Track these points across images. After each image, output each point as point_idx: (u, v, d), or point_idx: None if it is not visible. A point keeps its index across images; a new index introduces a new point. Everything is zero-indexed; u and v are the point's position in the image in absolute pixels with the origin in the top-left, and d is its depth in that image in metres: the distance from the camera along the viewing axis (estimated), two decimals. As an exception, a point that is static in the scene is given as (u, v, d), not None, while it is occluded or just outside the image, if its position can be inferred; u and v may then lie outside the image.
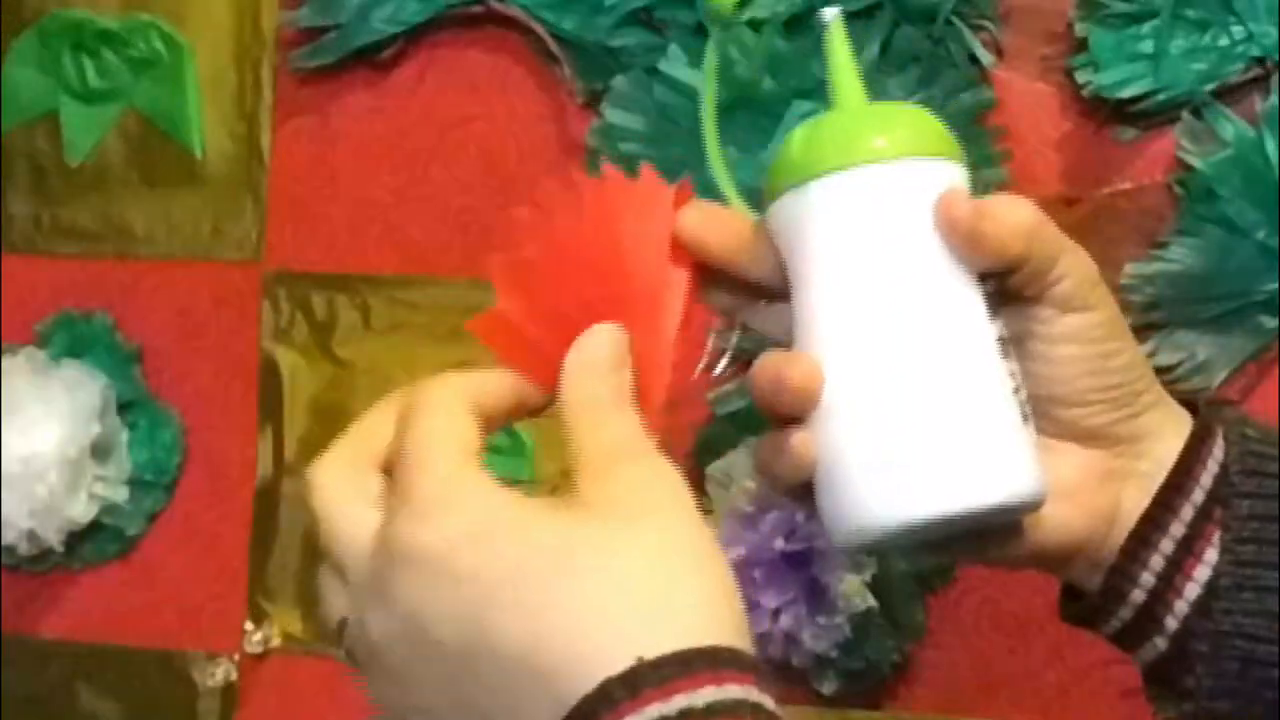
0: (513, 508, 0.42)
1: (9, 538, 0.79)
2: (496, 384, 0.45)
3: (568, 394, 0.44)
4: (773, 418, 0.46)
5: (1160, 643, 0.46)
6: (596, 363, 0.45)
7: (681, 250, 0.45)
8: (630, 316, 0.45)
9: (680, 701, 0.37)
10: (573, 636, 0.39)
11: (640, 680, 0.38)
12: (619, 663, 0.38)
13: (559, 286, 0.45)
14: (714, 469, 0.74)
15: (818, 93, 0.73)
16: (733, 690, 0.38)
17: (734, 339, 0.51)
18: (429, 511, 0.41)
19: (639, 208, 0.45)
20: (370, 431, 0.44)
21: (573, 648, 0.39)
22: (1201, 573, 0.46)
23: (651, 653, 0.38)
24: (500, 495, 0.42)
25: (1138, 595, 0.46)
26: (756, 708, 0.38)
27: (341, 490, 0.43)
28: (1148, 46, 0.71)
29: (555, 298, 0.45)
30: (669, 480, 0.43)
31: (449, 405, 0.44)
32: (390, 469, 0.43)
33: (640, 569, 0.40)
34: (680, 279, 0.46)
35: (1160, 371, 0.72)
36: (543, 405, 0.46)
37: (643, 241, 0.45)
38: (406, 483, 0.42)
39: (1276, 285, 0.70)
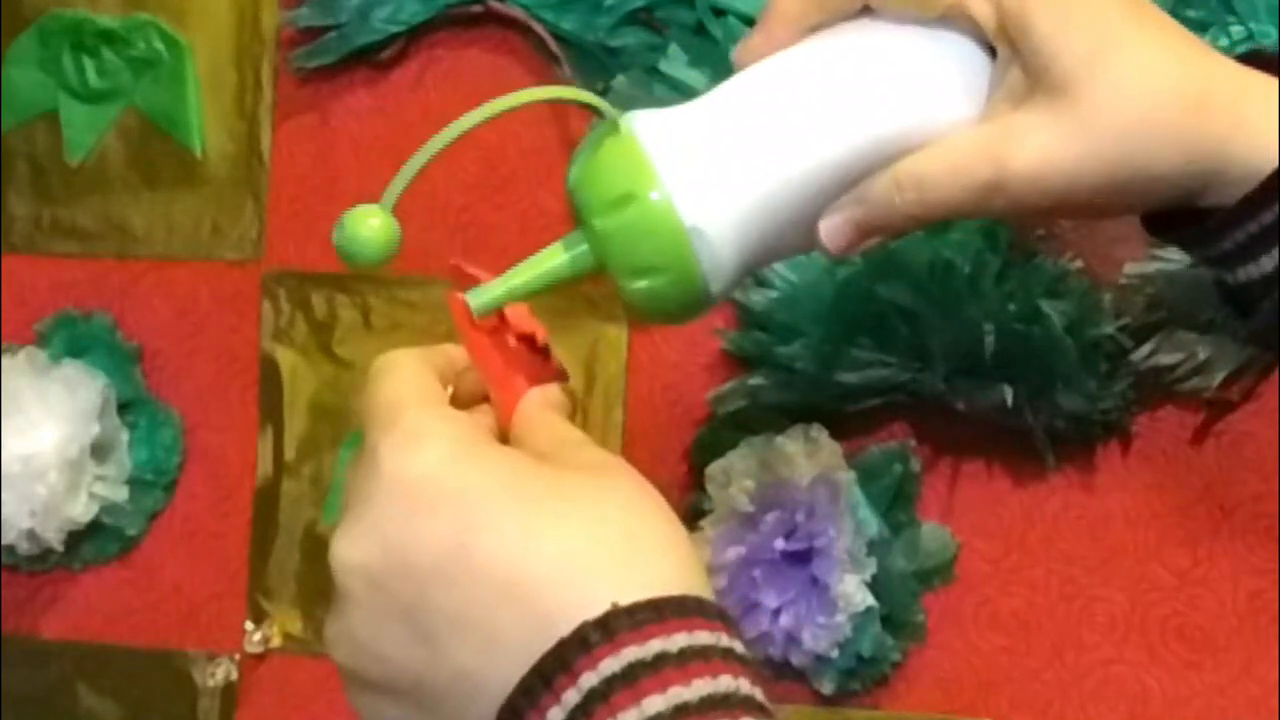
0: (492, 441, 0.44)
1: (9, 538, 0.79)
2: (434, 355, 0.48)
3: (526, 408, 0.47)
4: None
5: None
6: (553, 400, 0.48)
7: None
8: None
9: (655, 646, 0.38)
10: (557, 564, 0.40)
11: (616, 625, 0.39)
12: (595, 606, 0.39)
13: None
14: (714, 469, 0.74)
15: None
16: (702, 636, 0.39)
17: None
18: (409, 441, 0.42)
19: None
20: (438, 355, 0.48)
21: (557, 575, 0.40)
22: None
23: (626, 598, 0.39)
24: (480, 430, 0.44)
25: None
26: (727, 652, 0.40)
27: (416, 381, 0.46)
28: (1148, 46, 0.71)
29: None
30: (624, 461, 0.45)
31: (413, 363, 0.46)
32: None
33: (614, 514, 0.41)
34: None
35: (1160, 371, 0.72)
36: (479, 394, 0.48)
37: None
38: (388, 420, 0.43)
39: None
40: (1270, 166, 0.45)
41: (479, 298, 0.48)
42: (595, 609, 0.39)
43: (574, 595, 0.39)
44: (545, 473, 0.43)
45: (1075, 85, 0.45)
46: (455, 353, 0.49)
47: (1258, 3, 0.70)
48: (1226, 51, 0.70)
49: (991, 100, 0.48)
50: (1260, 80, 0.47)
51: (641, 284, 0.47)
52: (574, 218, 0.49)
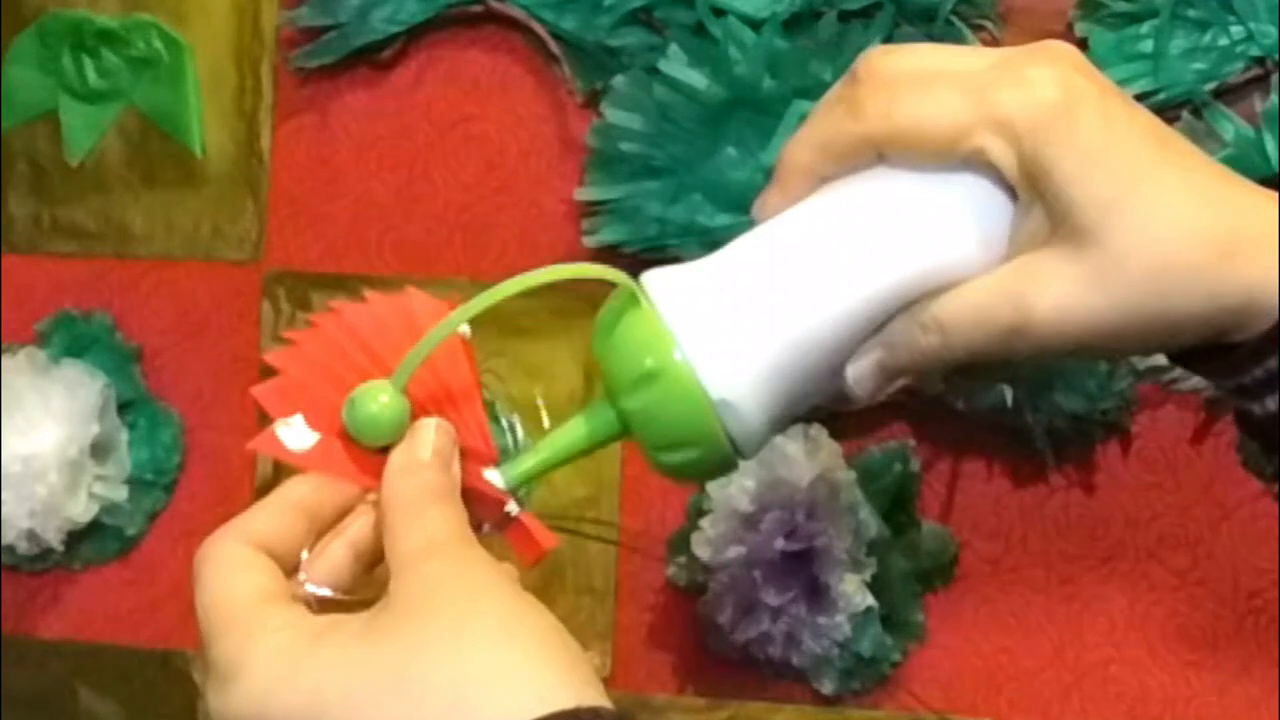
0: (319, 640, 0.41)
1: (9, 538, 0.79)
2: (269, 513, 0.46)
3: (386, 495, 0.45)
4: None
5: None
6: (416, 460, 0.45)
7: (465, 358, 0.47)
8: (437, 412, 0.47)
9: None
10: None
11: None
12: None
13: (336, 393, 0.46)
14: (714, 469, 0.74)
15: (817, 92, 0.73)
16: None
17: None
18: (228, 675, 0.41)
19: (409, 322, 0.47)
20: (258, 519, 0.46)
21: None
22: None
23: None
24: (303, 628, 0.42)
25: None
26: None
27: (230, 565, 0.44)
28: (1148, 46, 0.71)
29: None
30: (478, 568, 0.42)
31: (227, 557, 0.44)
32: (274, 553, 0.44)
33: (470, 659, 0.40)
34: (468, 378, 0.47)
35: (1159, 371, 0.72)
36: (356, 494, 0.46)
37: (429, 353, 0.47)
38: (206, 654, 0.42)
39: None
40: None
41: (511, 472, 0.47)
42: None
43: None
44: (377, 662, 0.40)
45: (1098, 231, 0.44)
46: (293, 492, 0.46)
47: (1258, 3, 0.70)
48: (1227, 51, 0.70)
49: (1015, 241, 0.47)
50: None
51: (673, 458, 0.47)
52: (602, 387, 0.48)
